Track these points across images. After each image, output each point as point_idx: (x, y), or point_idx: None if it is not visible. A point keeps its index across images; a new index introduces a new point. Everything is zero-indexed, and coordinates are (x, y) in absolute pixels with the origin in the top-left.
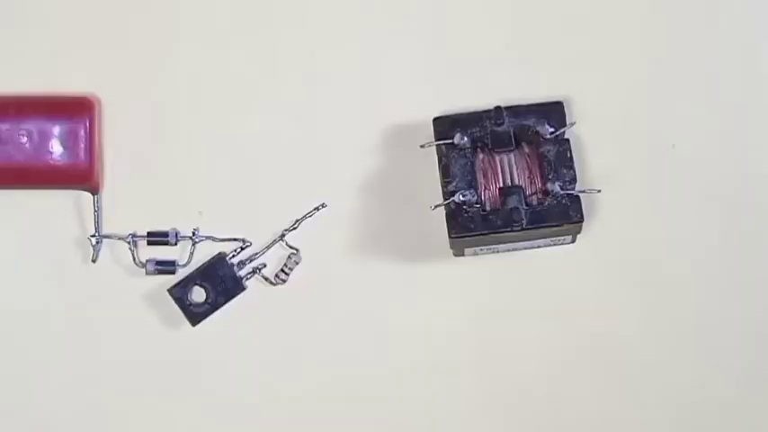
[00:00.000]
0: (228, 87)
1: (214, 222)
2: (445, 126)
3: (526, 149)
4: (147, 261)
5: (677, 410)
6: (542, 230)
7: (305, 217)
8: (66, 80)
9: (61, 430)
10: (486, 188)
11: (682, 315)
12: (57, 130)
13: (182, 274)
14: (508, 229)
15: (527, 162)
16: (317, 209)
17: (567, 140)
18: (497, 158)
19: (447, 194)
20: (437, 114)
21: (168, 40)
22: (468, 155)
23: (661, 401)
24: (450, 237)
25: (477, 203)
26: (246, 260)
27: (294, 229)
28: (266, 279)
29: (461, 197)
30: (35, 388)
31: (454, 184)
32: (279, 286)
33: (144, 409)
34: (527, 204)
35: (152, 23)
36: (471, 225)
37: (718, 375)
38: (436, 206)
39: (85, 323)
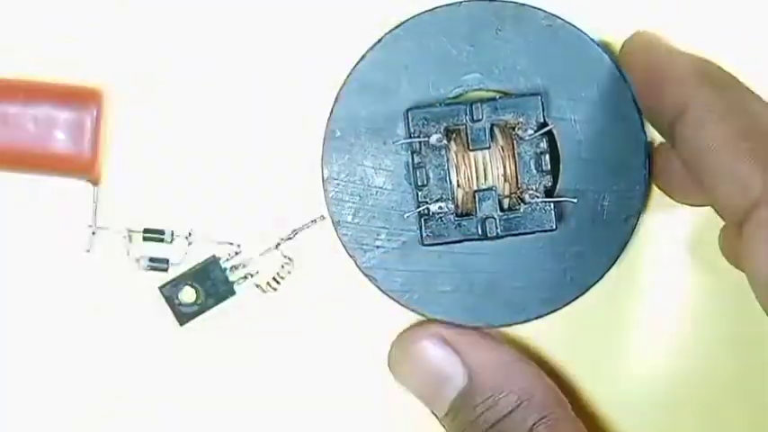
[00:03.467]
0: (237, 89)
1: (212, 224)
2: (420, 120)
3: (501, 144)
4: (140, 256)
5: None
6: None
7: (302, 228)
8: (77, 69)
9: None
10: (459, 186)
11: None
12: (63, 118)
13: (174, 272)
14: (482, 238)
15: (503, 161)
16: (314, 221)
17: (544, 141)
18: (472, 156)
19: (421, 200)
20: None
21: (182, 38)
22: (442, 153)
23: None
24: (422, 244)
25: (452, 212)
26: (239, 265)
27: (290, 238)
28: (257, 286)
29: (438, 208)
30: (17, 374)
31: (428, 188)
32: (269, 294)
33: (120, 400)
34: (501, 209)
35: (170, 21)
36: (445, 232)
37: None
38: (409, 215)
39: (73, 311)
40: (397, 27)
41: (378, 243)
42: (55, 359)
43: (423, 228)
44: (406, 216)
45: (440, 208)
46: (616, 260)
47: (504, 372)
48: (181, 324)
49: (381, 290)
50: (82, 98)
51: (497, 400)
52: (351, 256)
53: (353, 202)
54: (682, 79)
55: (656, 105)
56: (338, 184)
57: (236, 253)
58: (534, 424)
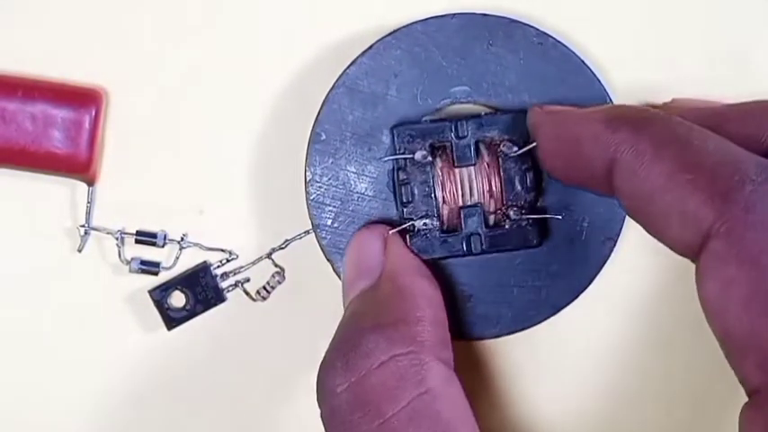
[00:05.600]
0: (234, 92)
1: (204, 228)
2: (406, 137)
3: (486, 161)
4: (132, 259)
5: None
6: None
7: (295, 238)
8: (77, 69)
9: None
10: (444, 202)
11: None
12: (61, 117)
13: (164, 276)
14: (467, 254)
15: (488, 177)
16: (307, 231)
17: (530, 159)
18: (457, 172)
19: (406, 216)
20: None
21: (182, 38)
22: (427, 170)
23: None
24: None
25: (437, 228)
26: (231, 272)
27: (282, 248)
28: (247, 294)
29: (423, 225)
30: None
31: (413, 204)
32: (258, 303)
33: (104, 403)
34: (486, 225)
35: (170, 25)
36: (430, 249)
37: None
38: (393, 231)
39: (61, 311)
40: (388, 35)
41: None
42: (39, 358)
43: (408, 244)
44: (390, 233)
45: (425, 224)
46: (592, 281)
47: (410, 294)
48: (169, 329)
49: None
50: (81, 98)
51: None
52: (328, 259)
53: (334, 207)
54: (597, 134)
55: (584, 171)
56: (320, 188)
57: (228, 260)
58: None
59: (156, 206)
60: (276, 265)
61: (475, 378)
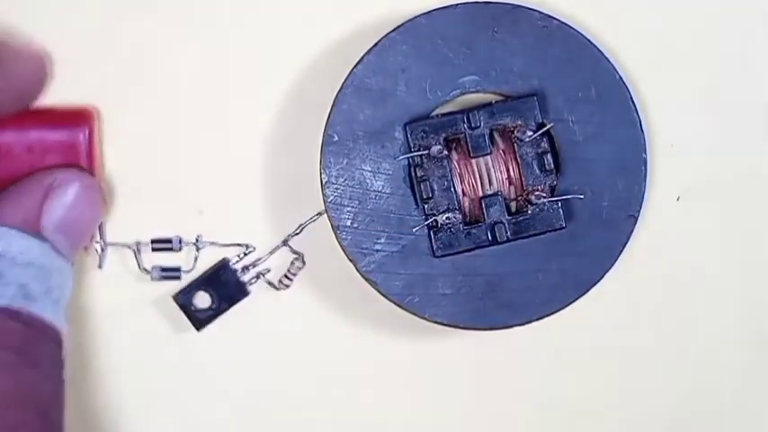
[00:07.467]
0: (236, 95)
1: (217, 227)
2: (419, 133)
3: (502, 148)
4: (152, 267)
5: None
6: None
7: (308, 222)
8: (64, 91)
9: None
10: (464, 194)
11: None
12: (56, 140)
13: (187, 279)
14: (492, 244)
15: (505, 165)
16: (319, 214)
17: (545, 141)
18: (474, 163)
19: (428, 212)
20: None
21: (168, 45)
22: (444, 164)
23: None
24: (434, 256)
25: (460, 221)
26: (250, 265)
27: (297, 234)
28: (270, 284)
29: (446, 219)
30: None
31: (434, 200)
32: (282, 291)
33: (152, 411)
34: (508, 213)
35: (169, 24)
36: (456, 243)
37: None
38: (417, 229)
39: (93, 328)
40: (392, 30)
41: (377, 247)
42: (81, 380)
43: (433, 240)
44: (415, 230)
45: (447, 219)
46: (616, 260)
47: None
48: (198, 329)
49: (381, 293)
50: (73, 119)
51: None
52: (351, 260)
53: (352, 207)
54: None
55: None
56: (337, 189)
57: (246, 253)
58: None
59: (165, 212)
60: (294, 252)
61: (492, 369)
